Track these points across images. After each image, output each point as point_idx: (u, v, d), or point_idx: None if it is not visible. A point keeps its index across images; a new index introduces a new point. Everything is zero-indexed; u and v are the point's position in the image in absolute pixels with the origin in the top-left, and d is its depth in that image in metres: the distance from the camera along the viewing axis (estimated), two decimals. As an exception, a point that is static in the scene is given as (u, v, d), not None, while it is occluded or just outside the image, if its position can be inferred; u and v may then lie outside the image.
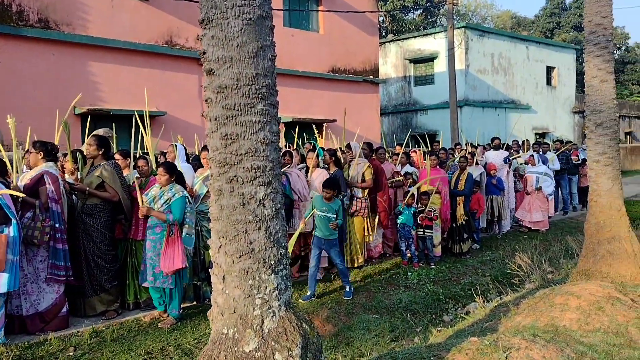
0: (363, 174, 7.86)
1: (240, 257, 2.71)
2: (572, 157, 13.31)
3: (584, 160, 13.73)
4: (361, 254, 7.97)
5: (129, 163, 6.46)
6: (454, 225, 8.74)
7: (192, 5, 12.77)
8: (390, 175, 8.82)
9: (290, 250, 6.62)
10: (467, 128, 20.73)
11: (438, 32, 23.55)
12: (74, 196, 5.91)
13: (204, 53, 2.81)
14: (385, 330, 5.72)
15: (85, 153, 6.04)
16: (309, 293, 6.62)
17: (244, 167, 2.69)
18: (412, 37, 24.89)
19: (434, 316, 6.29)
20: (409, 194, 8.09)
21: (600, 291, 4.83)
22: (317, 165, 7.82)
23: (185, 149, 7.13)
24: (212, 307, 2.84)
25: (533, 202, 10.71)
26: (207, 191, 6.27)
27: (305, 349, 2.77)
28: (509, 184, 10.78)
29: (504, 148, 11.50)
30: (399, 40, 25.30)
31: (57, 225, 5.37)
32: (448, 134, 18.69)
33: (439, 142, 12.25)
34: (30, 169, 5.63)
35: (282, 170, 7.09)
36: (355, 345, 5.34)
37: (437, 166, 8.71)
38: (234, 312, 2.73)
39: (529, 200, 10.77)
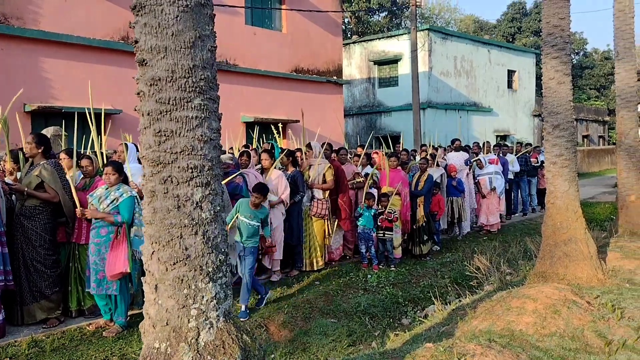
0: (324, 175, 7.72)
1: (174, 264, 2.50)
2: (531, 159, 13.46)
3: (543, 162, 13.91)
4: (321, 256, 7.86)
5: (76, 163, 6.10)
6: (414, 227, 8.69)
7: (150, 1, 12.35)
8: (352, 176, 8.72)
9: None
10: (430, 130, 20.81)
11: (402, 34, 23.62)
12: (13, 197, 5.55)
13: (136, 42, 2.59)
14: (342, 335, 5.59)
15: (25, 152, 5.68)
16: (243, 308, 5.96)
17: (179, 167, 2.49)
18: (376, 39, 24.90)
19: (392, 320, 6.22)
20: (366, 194, 8.00)
21: (556, 294, 4.78)
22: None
23: (137, 148, 6.82)
24: (144, 319, 2.61)
25: (489, 203, 10.79)
26: None
27: (245, 363, 2.57)
28: (470, 185, 10.82)
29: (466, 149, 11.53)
30: (364, 41, 25.29)
31: (-7, 228, 5.02)
32: (411, 136, 18.72)
33: (401, 143, 12.20)
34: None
35: (240, 171, 6.97)
36: (312, 351, 5.19)
37: (398, 167, 8.63)
38: (167, 324, 2.51)
39: (486, 204, 10.83)
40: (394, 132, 22.47)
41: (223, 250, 2.66)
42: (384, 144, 12.31)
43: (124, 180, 5.32)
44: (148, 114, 2.53)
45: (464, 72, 24.97)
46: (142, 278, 2.67)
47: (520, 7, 44.16)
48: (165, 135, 2.49)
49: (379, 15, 38.60)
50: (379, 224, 8.04)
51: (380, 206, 8.14)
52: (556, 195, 5.95)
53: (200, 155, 2.53)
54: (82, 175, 5.83)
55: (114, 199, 5.16)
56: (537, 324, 4.33)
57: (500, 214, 11.40)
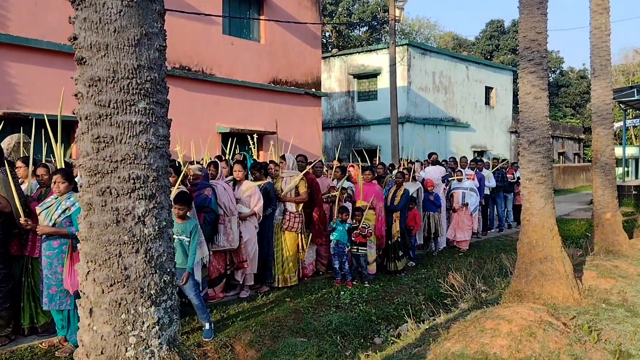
0: (297, 188, 7.53)
1: (111, 285, 2.24)
2: (507, 175, 13.43)
3: (519, 178, 13.89)
4: (294, 272, 7.65)
5: (32, 172, 5.77)
6: (390, 242, 8.53)
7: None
8: (326, 190, 8.53)
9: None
10: (408, 144, 20.78)
11: (382, 49, 23.63)
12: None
13: (75, 39, 2.33)
14: (312, 355, 5.34)
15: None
16: (207, 326, 5.62)
17: (119, 177, 2.25)
18: (356, 53, 24.88)
19: (364, 339, 5.99)
20: (340, 208, 7.84)
21: (532, 315, 4.58)
22: (246, 178, 7.41)
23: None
24: (77, 347, 2.33)
25: (460, 220, 10.66)
26: None
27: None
28: (445, 200, 10.69)
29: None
30: (343, 55, 25.25)
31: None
32: (389, 150, 18.63)
33: (378, 157, 12.07)
34: None
35: (208, 182, 6.72)
36: (278, 373, 4.91)
37: (373, 181, 8.48)
38: (102, 352, 2.23)
39: (456, 218, 10.70)
40: (372, 146, 22.38)
41: (169, 270, 2.40)
42: (361, 158, 12.12)
43: (74, 188, 4.99)
44: (86, 118, 2.27)
45: (442, 88, 25.06)
46: (76, 300, 2.39)
47: (498, 25, 44.78)
48: (104, 141, 2.24)
49: (359, 30, 38.77)
50: (353, 239, 7.86)
51: (354, 220, 7.96)
52: (532, 212, 5.79)
53: (144, 164, 2.29)
54: (39, 185, 5.49)
55: (65, 209, 4.82)
56: (511, 347, 4.12)
57: (475, 232, 11.31)
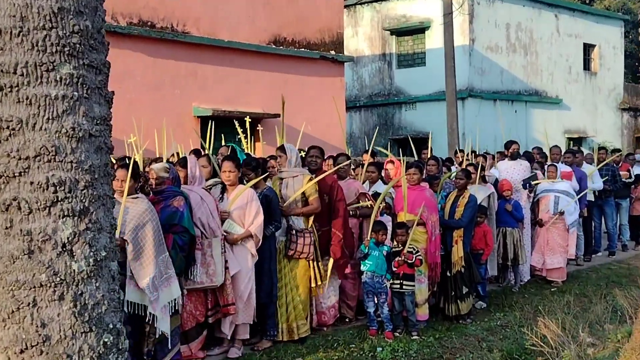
0: (303, 193, 7.47)
1: (22, 352, 2.12)
2: (620, 172, 13.22)
3: (638, 177, 13.66)
4: (305, 317, 7.60)
5: None
6: (448, 273, 8.44)
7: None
8: (354, 197, 8.46)
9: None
10: (471, 129, 20.59)
11: (431, -7, 23.57)
12: None
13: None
14: None
15: None
16: None
17: (32, 183, 2.15)
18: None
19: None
20: (374, 224, 7.77)
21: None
22: (241, 182, 7.39)
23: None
24: None
25: (551, 238, 10.53)
26: None
27: None
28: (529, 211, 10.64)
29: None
30: (376, 2, 25.22)
31: None
32: (444, 138, 18.47)
33: (429, 148, 11.96)
34: None
35: (179, 188, 6.64)
36: None
37: (422, 184, 8.42)
38: None
39: (545, 236, 10.57)
40: (418, 133, 22.29)
41: (112, 325, 2.27)
42: (404, 150, 12.04)
43: None
44: (-20, 92, 2.18)
45: (520, 47, 24.93)
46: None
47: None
48: (8, 127, 2.12)
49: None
50: (394, 269, 7.77)
51: (395, 242, 7.87)
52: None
53: (71, 162, 2.17)
54: None
55: None
56: None
57: (573, 257, 11.25)
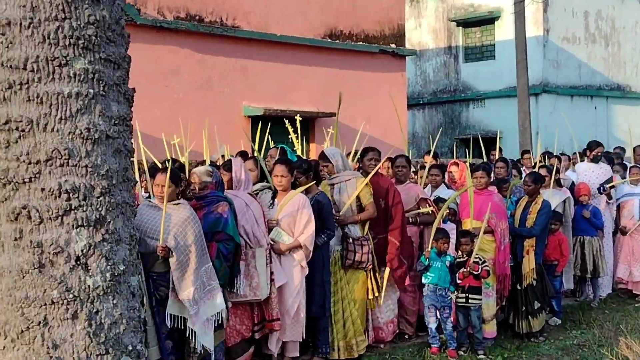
0: (358, 198, 7.48)
1: None
2: None
3: None
4: (363, 332, 7.60)
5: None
6: (518, 286, 8.35)
7: None
8: (414, 203, 8.43)
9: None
10: (546, 126, 20.33)
11: (500, -20, 23.42)
12: None
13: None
14: None
15: None
16: None
17: (42, 189, 2.11)
18: (461, -13, 24.86)
19: None
20: (436, 232, 7.74)
21: None
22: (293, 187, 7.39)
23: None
24: None
25: (635, 247, 10.36)
26: None
27: None
28: (612, 217, 10.51)
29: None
30: (441, -10, 25.24)
31: None
32: (516, 137, 18.24)
33: (497, 149, 11.81)
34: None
35: (223, 193, 6.65)
36: None
37: (490, 188, 8.39)
38: None
39: (629, 245, 10.37)
40: (488, 132, 22.17)
41: (132, 346, 2.21)
42: (471, 150, 11.89)
43: None
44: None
45: (600, 37, 24.72)
46: None
47: None
48: (18, 129, 2.09)
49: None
50: (459, 281, 7.72)
51: (460, 252, 7.79)
52: None
53: (85, 167, 2.13)
54: None
55: None
56: None
57: None
